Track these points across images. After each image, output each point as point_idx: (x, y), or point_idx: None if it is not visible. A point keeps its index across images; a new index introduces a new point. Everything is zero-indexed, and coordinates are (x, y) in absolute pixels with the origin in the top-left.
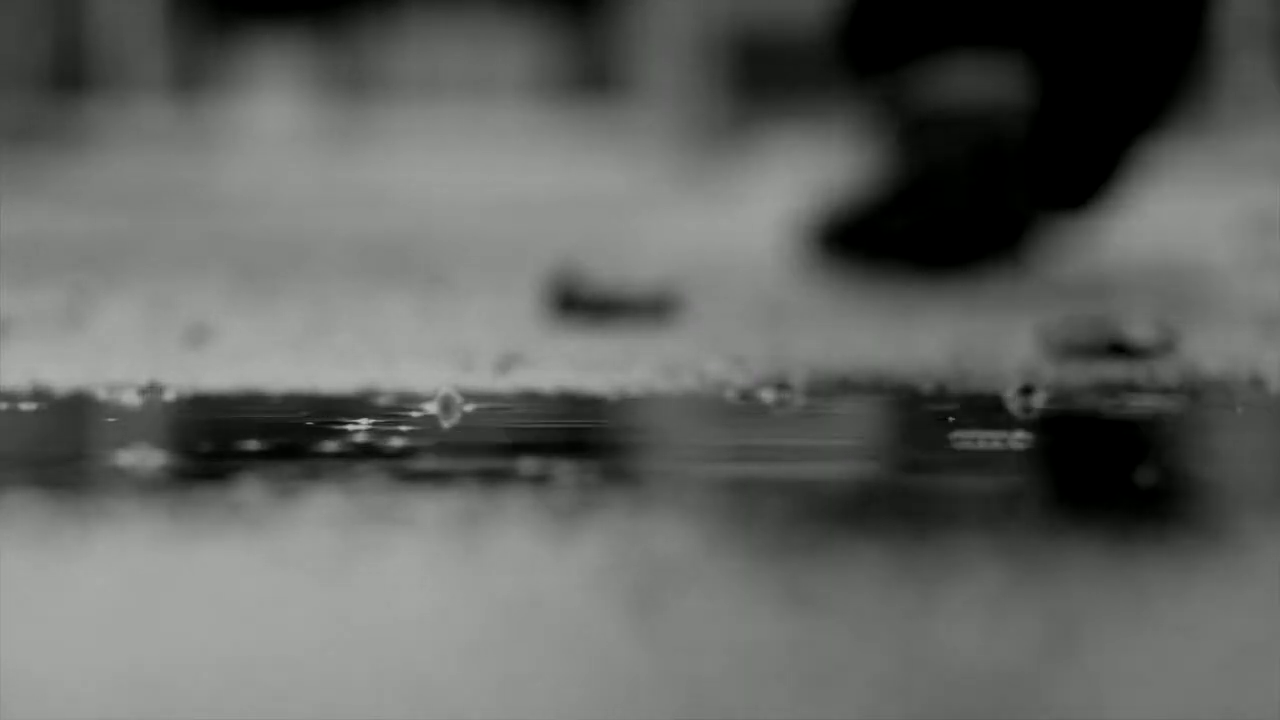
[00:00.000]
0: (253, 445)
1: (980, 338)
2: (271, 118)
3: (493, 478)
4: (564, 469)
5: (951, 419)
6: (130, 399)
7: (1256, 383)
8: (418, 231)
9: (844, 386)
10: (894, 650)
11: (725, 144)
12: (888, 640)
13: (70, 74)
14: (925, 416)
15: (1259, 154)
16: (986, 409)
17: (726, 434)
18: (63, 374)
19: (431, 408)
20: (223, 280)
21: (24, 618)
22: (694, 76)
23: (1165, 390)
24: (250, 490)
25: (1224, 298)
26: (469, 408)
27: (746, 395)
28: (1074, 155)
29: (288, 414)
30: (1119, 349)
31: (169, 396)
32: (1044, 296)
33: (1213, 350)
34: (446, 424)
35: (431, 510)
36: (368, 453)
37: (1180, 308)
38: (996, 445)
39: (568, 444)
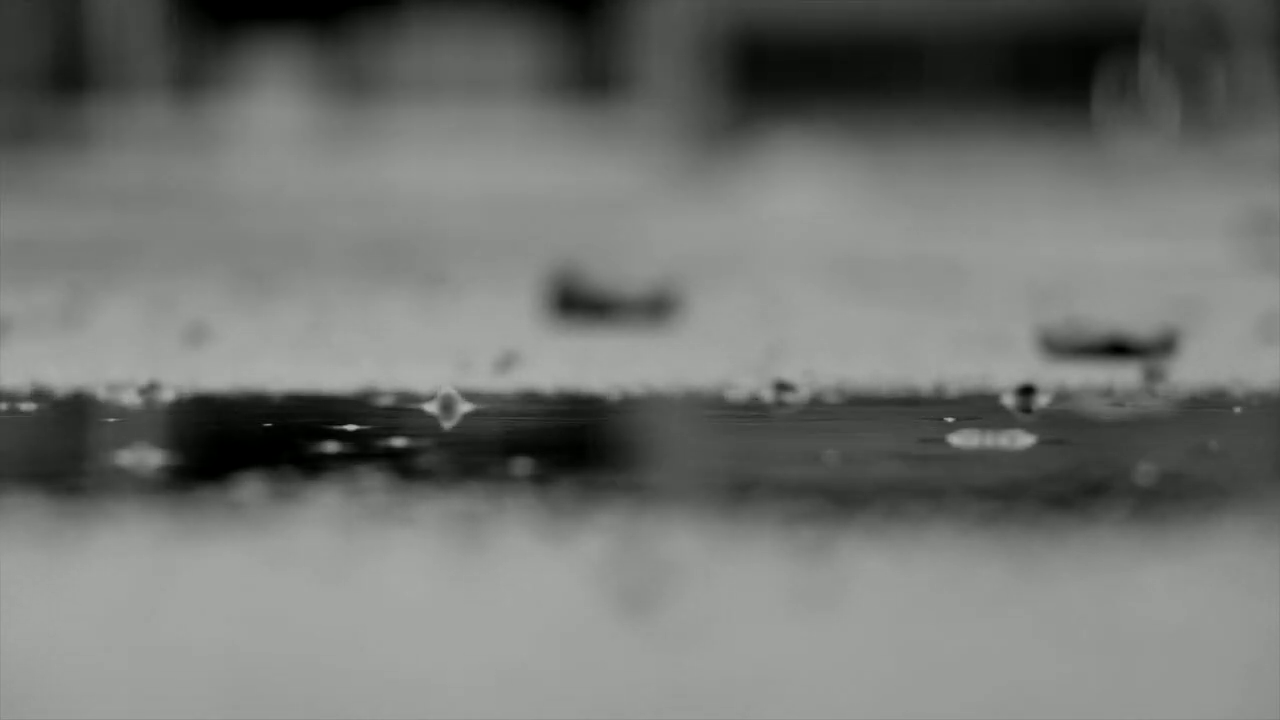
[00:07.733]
0: (253, 445)
1: (980, 337)
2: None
3: (493, 478)
4: (564, 469)
5: (950, 419)
6: (130, 399)
7: (1255, 383)
8: (418, 231)
9: (843, 386)
10: (894, 650)
11: (725, 144)
12: (888, 640)
13: (70, 74)
14: (924, 416)
15: (1259, 154)
16: (985, 408)
17: (726, 434)
18: (63, 374)
19: (431, 408)
20: (223, 280)
21: (24, 617)
22: (694, 76)
23: (1164, 390)
24: (250, 490)
25: (1224, 298)
26: (469, 407)
27: (747, 395)
28: None
29: (288, 414)
30: (1119, 349)
31: (169, 396)
32: None
33: (1212, 350)
34: (446, 424)
35: (431, 510)
36: (368, 453)
37: (1180, 308)
38: (995, 445)
39: (568, 444)
